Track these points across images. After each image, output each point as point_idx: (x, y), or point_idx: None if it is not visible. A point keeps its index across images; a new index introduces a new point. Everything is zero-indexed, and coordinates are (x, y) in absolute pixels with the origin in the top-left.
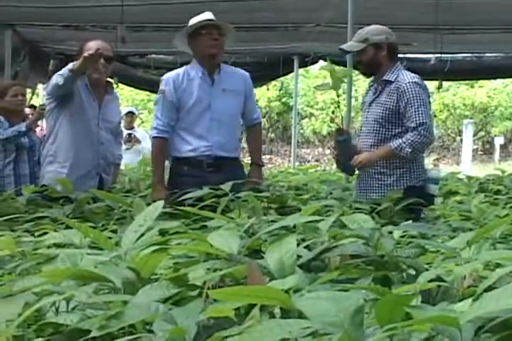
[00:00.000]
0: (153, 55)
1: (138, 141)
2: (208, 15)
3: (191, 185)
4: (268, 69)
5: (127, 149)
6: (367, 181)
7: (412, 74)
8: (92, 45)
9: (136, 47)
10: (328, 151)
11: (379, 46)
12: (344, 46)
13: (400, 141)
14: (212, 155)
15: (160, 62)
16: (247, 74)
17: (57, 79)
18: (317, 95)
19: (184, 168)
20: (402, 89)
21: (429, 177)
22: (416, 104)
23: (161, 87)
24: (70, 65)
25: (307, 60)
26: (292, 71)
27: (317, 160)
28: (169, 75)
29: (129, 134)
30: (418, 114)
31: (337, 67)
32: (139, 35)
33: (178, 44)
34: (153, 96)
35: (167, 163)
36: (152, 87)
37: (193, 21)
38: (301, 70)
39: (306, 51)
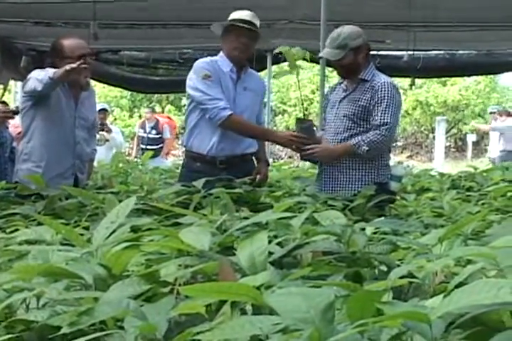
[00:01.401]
0: (126, 52)
1: (110, 130)
2: (244, 14)
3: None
4: None
5: (99, 145)
6: (334, 174)
7: (385, 76)
8: (70, 45)
9: (108, 44)
10: None
11: (358, 49)
12: (324, 54)
13: (359, 138)
14: (226, 152)
15: (133, 58)
16: (263, 80)
17: (35, 84)
18: (290, 92)
19: (197, 164)
20: (377, 87)
21: (392, 174)
22: (385, 103)
23: (201, 72)
24: (51, 73)
25: (280, 57)
26: (265, 68)
27: (290, 157)
28: (205, 61)
29: (101, 124)
30: (384, 113)
31: (293, 49)
32: (111, 32)
33: (215, 30)
34: (125, 93)
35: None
36: (125, 83)
37: (231, 16)
38: (274, 67)
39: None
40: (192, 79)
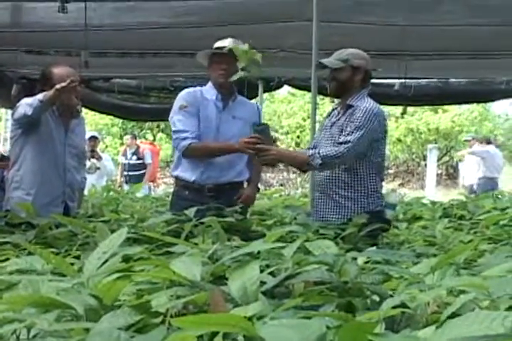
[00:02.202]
0: (118, 80)
1: (100, 158)
2: (226, 42)
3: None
4: None
5: (90, 172)
6: (324, 201)
7: (373, 102)
8: (60, 73)
9: (99, 72)
10: (293, 175)
11: (357, 69)
12: (324, 60)
13: (317, 150)
14: (213, 180)
15: (124, 86)
16: (258, 106)
17: (25, 108)
18: (282, 119)
19: (185, 192)
20: (355, 111)
21: (387, 202)
22: (355, 125)
23: (180, 102)
24: (41, 96)
25: (272, 85)
26: (257, 95)
27: (282, 185)
28: (187, 91)
29: (92, 150)
30: (350, 133)
31: (245, 47)
32: (102, 60)
33: (200, 60)
34: (116, 120)
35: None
36: (116, 111)
37: (214, 45)
38: (266, 95)
39: (270, 76)
40: (172, 109)
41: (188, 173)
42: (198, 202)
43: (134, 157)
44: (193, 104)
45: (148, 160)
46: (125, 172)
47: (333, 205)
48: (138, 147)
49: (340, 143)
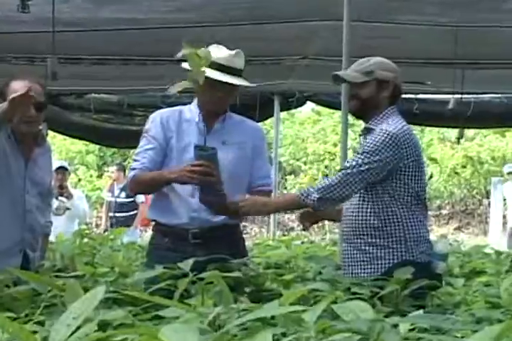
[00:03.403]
0: (94, 95)
1: (71, 195)
2: (222, 56)
3: (173, 262)
4: (241, 113)
5: (57, 214)
6: (352, 254)
7: (396, 123)
8: (19, 86)
9: (71, 85)
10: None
11: (384, 84)
12: (341, 73)
13: (310, 186)
14: (201, 223)
15: (102, 103)
16: (260, 126)
17: None
18: (307, 144)
19: (165, 240)
20: (369, 135)
21: (435, 251)
22: (362, 150)
23: (146, 125)
24: None
25: (291, 101)
26: (271, 115)
27: (304, 229)
28: (159, 112)
29: (60, 186)
30: (354, 157)
31: (200, 51)
32: (74, 69)
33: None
34: (93, 147)
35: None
36: (92, 134)
37: (212, 55)
38: (284, 114)
39: (289, 90)
40: None
41: (167, 215)
42: (180, 252)
43: (123, 194)
44: (159, 129)
45: (140, 198)
46: (111, 214)
47: (364, 257)
48: None
49: (339, 171)
